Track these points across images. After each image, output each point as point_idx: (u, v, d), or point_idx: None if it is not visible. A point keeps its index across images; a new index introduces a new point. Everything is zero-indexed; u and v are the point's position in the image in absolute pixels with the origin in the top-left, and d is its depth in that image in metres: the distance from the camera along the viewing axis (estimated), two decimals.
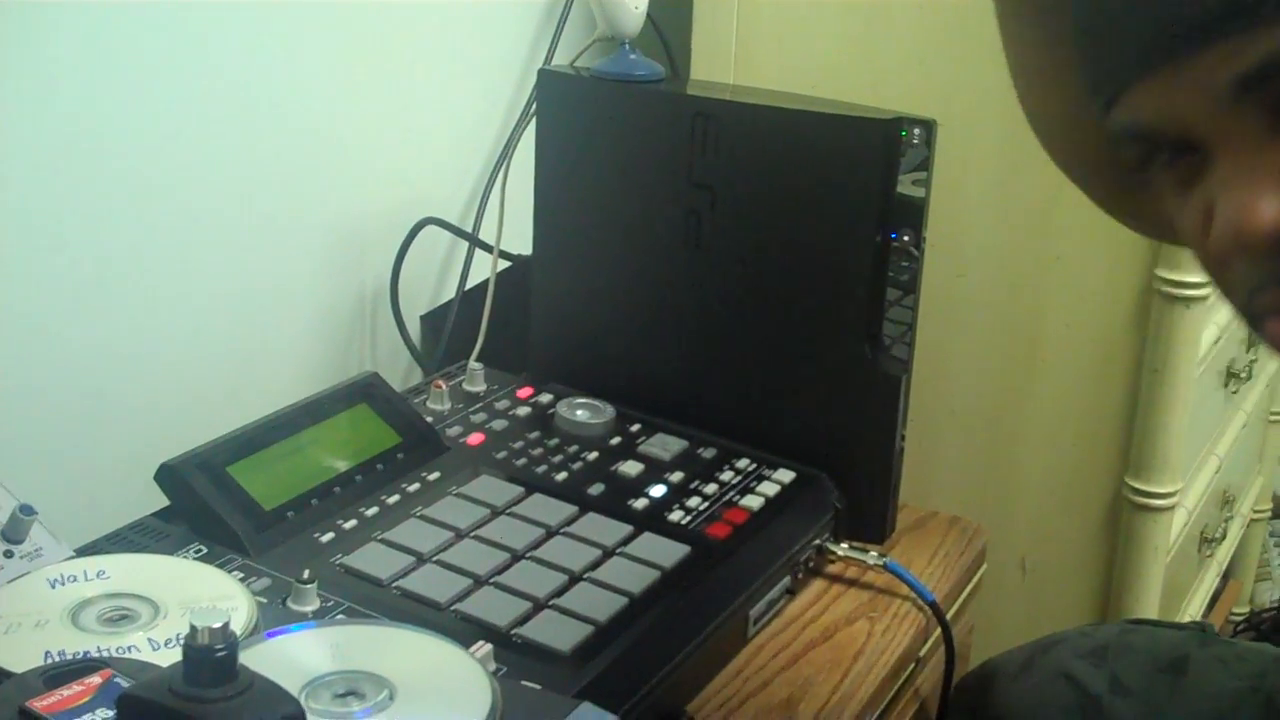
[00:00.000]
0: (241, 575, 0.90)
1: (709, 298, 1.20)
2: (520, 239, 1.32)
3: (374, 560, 0.95)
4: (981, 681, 1.13)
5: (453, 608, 0.91)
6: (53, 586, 0.82)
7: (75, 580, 0.83)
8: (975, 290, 1.43)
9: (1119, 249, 1.36)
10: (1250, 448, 2.01)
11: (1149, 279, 1.35)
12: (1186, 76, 0.57)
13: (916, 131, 1.10)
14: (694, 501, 1.08)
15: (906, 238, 1.12)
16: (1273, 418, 2.11)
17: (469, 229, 1.43)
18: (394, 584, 0.93)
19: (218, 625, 0.58)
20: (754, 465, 1.14)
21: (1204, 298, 1.34)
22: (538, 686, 0.79)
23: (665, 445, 1.16)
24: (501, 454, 1.12)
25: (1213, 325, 1.48)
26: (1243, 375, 1.68)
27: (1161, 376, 1.37)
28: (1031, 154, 0.88)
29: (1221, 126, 0.58)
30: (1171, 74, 0.58)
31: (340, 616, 0.87)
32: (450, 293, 1.43)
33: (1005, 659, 1.13)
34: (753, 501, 1.09)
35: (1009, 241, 1.41)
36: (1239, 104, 0.56)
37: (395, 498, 1.04)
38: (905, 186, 1.11)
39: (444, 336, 1.38)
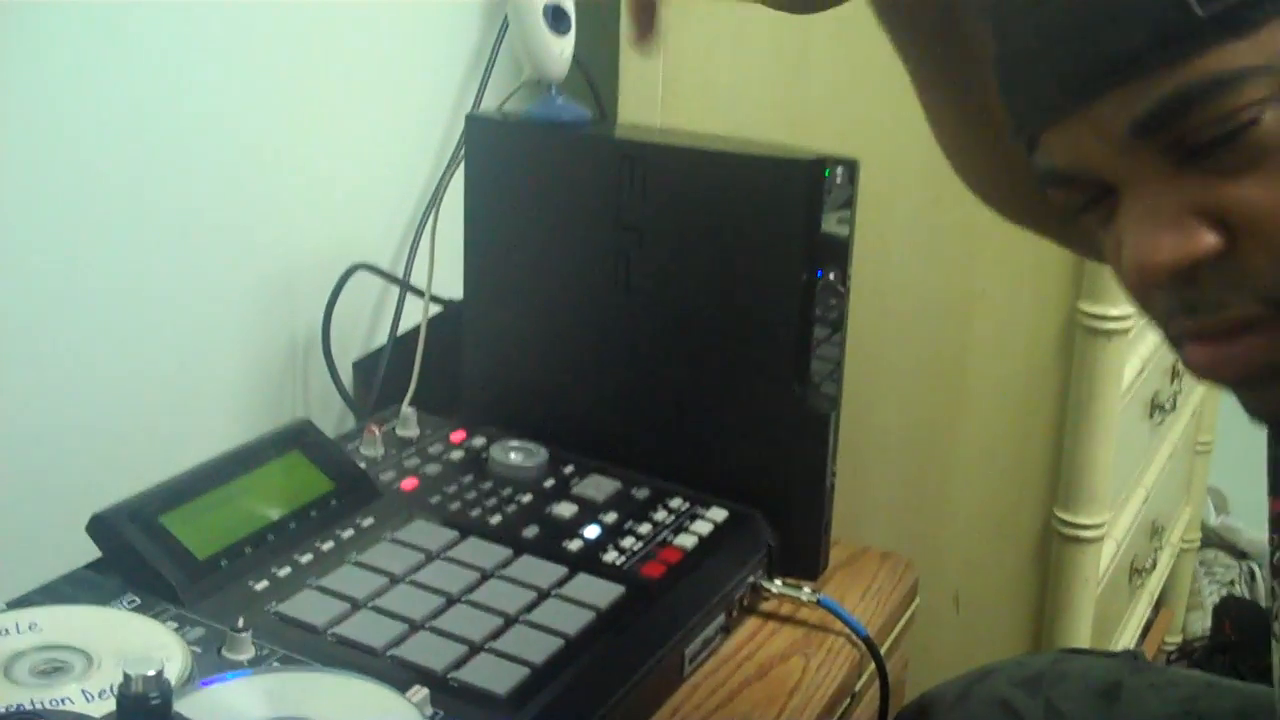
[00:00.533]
0: (176, 625, 0.89)
1: (639, 338, 1.21)
2: (451, 283, 1.33)
3: (309, 607, 0.95)
4: (919, 714, 1.14)
5: (389, 653, 0.91)
6: None
7: (7, 633, 0.82)
8: (901, 327, 1.45)
9: (1041, 284, 1.38)
10: (1178, 478, 2.04)
11: (1071, 313, 1.37)
12: (1089, 122, 0.62)
13: (840, 171, 1.12)
14: (628, 542, 1.08)
15: (832, 276, 1.13)
16: (1199, 448, 2.14)
17: (400, 274, 1.43)
18: (329, 630, 0.93)
19: (151, 673, 0.58)
20: (687, 504, 1.15)
21: (1126, 330, 1.36)
22: None
23: (598, 486, 1.16)
24: (436, 498, 1.12)
25: (1136, 358, 1.51)
26: (1167, 406, 1.70)
27: (1086, 409, 1.39)
28: (953, 191, 0.90)
29: (1123, 168, 0.63)
30: (1076, 120, 0.63)
31: (276, 664, 0.86)
32: (382, 338, 1.43)
33: (941, 690, 1.14)
34: (686, 540, 1.10)
35: (933, 278, 1.43)
36: (1136, 147, 0.61)
37: (330, 544, 1.03)
38: (830, 225, 1.12)
39: (377, 382, 1.38)
